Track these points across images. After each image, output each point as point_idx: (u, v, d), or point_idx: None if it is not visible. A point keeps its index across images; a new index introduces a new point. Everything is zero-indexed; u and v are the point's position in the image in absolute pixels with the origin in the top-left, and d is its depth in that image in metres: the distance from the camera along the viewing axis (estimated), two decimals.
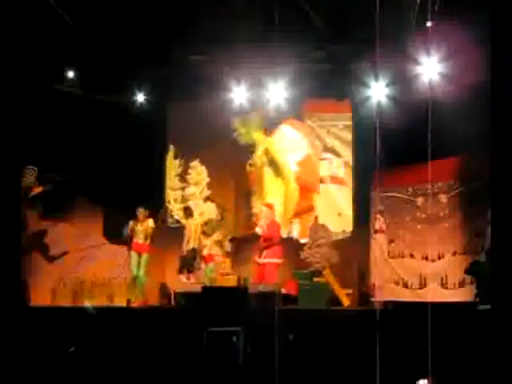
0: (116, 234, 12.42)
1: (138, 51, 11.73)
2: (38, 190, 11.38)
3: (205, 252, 12.07)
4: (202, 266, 12.01)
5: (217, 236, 12.24)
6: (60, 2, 10.52)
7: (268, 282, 11.19)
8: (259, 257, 11.55)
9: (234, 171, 13.13)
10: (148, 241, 11.72)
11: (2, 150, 4.51)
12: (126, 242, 11.75)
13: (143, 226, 11.70)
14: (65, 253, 12.14)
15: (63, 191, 11.88)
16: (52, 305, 11.66)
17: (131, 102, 12.47)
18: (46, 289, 11.84)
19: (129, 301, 11.64)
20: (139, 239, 11.67)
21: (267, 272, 11.37)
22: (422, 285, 11.15)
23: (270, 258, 11.47)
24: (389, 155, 11.95)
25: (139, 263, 11.62)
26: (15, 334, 4.53)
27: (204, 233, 12.12)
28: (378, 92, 11.53)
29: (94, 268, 12.25)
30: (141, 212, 11.69)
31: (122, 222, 12.10)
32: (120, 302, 11.97)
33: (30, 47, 10.34)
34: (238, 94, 12.23)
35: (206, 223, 12.29)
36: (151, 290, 12.27)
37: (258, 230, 11.69)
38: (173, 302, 11.52)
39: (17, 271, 4.69)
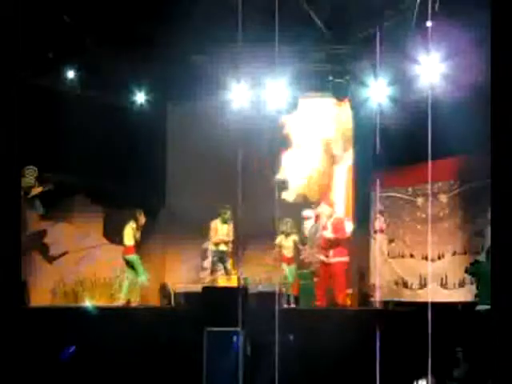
0: (116, 235, 12.43)
1: (138, 51, 11.73)
2: (37, 190, 11.37)
3: (288, 254, 11.71)
4: (284, 267, 11.67)
5: (294, 236, 11.87)
6: (60, 2, 10.52)
7: (337, 281, 10.99)
8: (326, 256, 11.17)
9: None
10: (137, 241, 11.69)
11: (2, 150, 4.51)
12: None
13: (140, 229, 11.66)
14: (65, 253, 12.14)
15: (63, 191, 11.87)
16: (52, 305, 11.66)
17: (131, 102, 12.46)
18: (46, 289, 11.84)
19: (129, 301, 11.64)
20: (135, 241, 11.60)
21: (335, 271, 11.04)
22: (422, 285, 11.15)
23: (338, 257, 11.10)
24: (389, 155, 11.97)
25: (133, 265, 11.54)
26: (15, 334, 4.53)
27: (283, 232, 11.73)
28: (377, 92, 11.53)
29: (93, 268, 12.25)
30: (141, 215, 11.63)
31: (122, 223, 12.14)
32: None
33: (30, 47, 10.35)
34: (238, 94, 12.23)
35: (282, 224, 11.78)
36: (151, 290, 12.29)
37: (326, 234, 11.20)
38: (172, 303, 11.51)
39: (17, 271, 4.69)
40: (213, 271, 11.88)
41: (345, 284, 11.19)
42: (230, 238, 11.89)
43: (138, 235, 11.62)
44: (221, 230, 11.90)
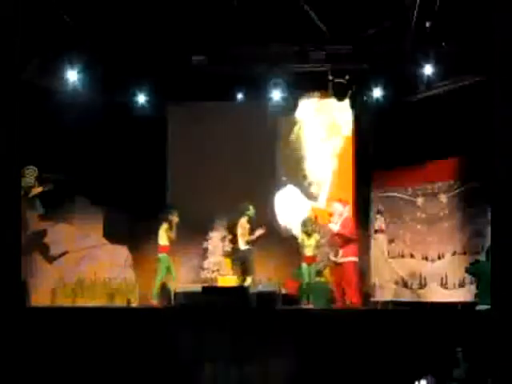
0: (116, 234, 12.42)
1: (139, 51, 11.73)
2: (37, 190, 11.37)
3: (308, 252, 11.43)
4: (304, 265, 11.44)
5: (316, 236, 11.62)
6: (60, 2, 10.52)
7: (347, 282, 10.86)
8: (335, 256, 11.04)
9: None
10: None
11: (2, 150, 4.51)
12: None
13: (173, 228, 11.72)
14: (65, 253, 12.13)
15: (63, 191, 11.87)
16: (52, 305, 11.65)
17: (131, 102, 12.45)
18: (46, 289, 11.83)
19: (129, 301, 11.63)
20: (169, 241, 11.67)
21: (345, 271, 10.89)
22: (422, 285, 11.16)
23: (347, 257, 10.93)
24: (389, 155, 11.98)
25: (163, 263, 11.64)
26: (15, 334, 4.53)
27: (305, 232, 11.53)
28: (377, 92, 11.54)
29: (93, 268, 12.24)
30: (173, 215, 11.66)
31: (122, 222, 12.16)
32: (120, 301, 11.97)
33: (31, 47, 10.34)
34: (238, 95, 12.24)
35: (304, 223, 11.68)
36: (151, 290, 12.31)
37: (332, 227, 11.09)
38: (172, 303, 11.50)
39: (17, 271, 4.69)
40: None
41: (357, 283, 11.09)
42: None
43: (173, 235, 11.65)
44: (248, 229, 11.80)
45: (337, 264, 11.03)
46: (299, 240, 11.59)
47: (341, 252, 10.99)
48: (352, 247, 11.05)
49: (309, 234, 11.45)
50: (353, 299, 10.87)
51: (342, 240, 11.00)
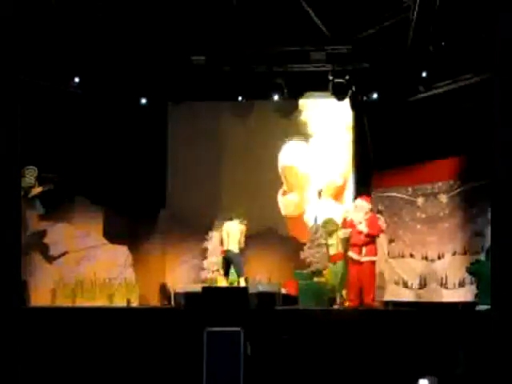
0: (116, 234, 12.42)
1: (139, 52, 11.74)
2: (37, 190, 11.37)
3: (332, 251, 11.36)
4: (330, 265, 11.37)
5: (339, 234, 11.54)
6: (61, 4, 10.53)
7: (367, 281, 10.64)
8: (358, 254, 10.68)
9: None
10: None
11: (2, 150, 4.51)
12: None
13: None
14: (65, 253, 12.13)
15: (63, 191, 11.87)
16: (52, 305, 11.66)
17: (131, 102, 12.46)
18: (46, 289, 11.83)
19: (129, 301, 11.63)
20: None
21: (365, 271, 10.65)
22: (422, 285, 11.15)
23: (369, 256, 10.68)
24: (389, 155, 11.99)
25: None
26: (15, 334, 4.53)
27: (326, 232, 11.48)
28: (377, 92, 11.55)
29: (94, 268, 12.24)
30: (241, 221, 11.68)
31: (122, 222, 12.16)
32: (120, 302, 11.97)
33: (32, 48, 10.36)
34: (238, 94, 12.25)
35: (326, 222, 11.64)
36: (151, 290, 12.31)
37: (362, 228, 10.68)
38: (172, 303, 11.51)
39: (17, 271, 4.68)
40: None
41: (374, 284, 10.91)
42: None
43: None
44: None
45: (359, 263, 10.78)
46: (322, 240, 11.49)
47: (364, 251, 10.76)
48: (374, 246, 10.82)
49: (330, 234, 11.36)
50: (370, 301, 10.74)
51: (367, 239, 10.81)
